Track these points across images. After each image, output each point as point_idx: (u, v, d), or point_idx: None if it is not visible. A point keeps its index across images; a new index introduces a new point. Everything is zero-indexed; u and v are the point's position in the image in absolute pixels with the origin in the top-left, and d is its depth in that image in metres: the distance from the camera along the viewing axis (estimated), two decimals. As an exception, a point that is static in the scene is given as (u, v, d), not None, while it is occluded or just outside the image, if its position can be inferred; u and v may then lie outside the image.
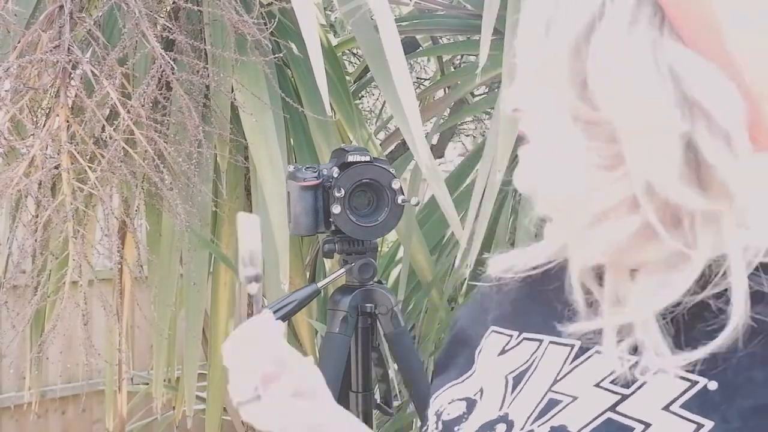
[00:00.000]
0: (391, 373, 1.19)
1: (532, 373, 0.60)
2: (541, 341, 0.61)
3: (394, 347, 1.06)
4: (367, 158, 0.98)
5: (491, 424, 0.59)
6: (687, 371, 0.51)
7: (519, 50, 0.56)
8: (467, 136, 4.32)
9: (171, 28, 1.43)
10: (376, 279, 1.05)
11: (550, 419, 0.55)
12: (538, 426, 0.55)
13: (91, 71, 1.38)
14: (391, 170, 0.99)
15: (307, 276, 2.10)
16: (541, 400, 0.57)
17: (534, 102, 0.56)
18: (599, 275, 0.57)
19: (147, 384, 2.65)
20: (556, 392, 0.57)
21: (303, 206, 0.97)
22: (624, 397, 0.53)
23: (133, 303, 1.77)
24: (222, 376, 1.79)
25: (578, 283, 0.57)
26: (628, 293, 0.54)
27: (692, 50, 0.49)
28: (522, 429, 0.56)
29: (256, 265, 0.66)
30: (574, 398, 0.55)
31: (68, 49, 1.35)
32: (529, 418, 0.57)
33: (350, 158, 0.96)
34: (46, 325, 1.70)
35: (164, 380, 1.78)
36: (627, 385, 0.53)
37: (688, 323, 0.53)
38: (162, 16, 1.56)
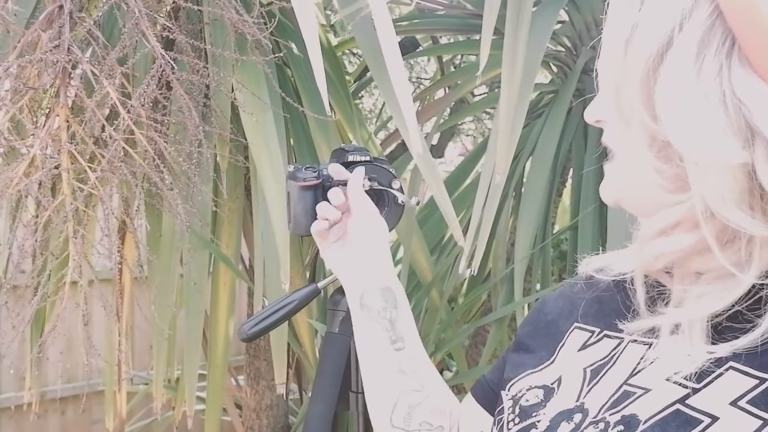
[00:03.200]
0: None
1: (611, 367, 0.64)
2: (621, 339, 0.65)
3: (395, 347, 1.05)
4: (367, 158, 0.97)
5: (569, 413, 0.62)
6: (756, 369, 0.54)
7: (600, 65, 0.61)
8: (467, 136, 4.32)
9: (171, 28, 1.42)
10: (376, 279, 1.04)
11: (622, 409, 0.59)
12: (610, 414, 0.59)
13: (91, 71, 1.38)
14: (391, 170, 0.98)
15: (307, 276, 2.10)
16: (616, 392, 0.61)
17: (614, 118, 0.60)
18: (671, 274, 0.62)
19: (147, 384, 2.65)
20: (630, 385, 0.61)
21: (303, 206, 0.97)
22: (694, 391, 0.56)
23: (133, 303, 1.77)
24: (222, 376, 1.79)
25: (640, 287, 0.62)
26: (686, 296, 0.59)
27: (759, 75, 0.52)
28: (595, 417, 0.60)
29: None
30: (647, 390, 0.59)
31: (68, 48, 1.35)
32: (602, 407, 0.60)
33: (350, 158, 0.96)
34: (46, 325, 1.70)
35: (164, 380, 1.78)
36: (698, 381, 0.56)
37: (724, 327, 0.57)
38: (162, 15, 1.56)
